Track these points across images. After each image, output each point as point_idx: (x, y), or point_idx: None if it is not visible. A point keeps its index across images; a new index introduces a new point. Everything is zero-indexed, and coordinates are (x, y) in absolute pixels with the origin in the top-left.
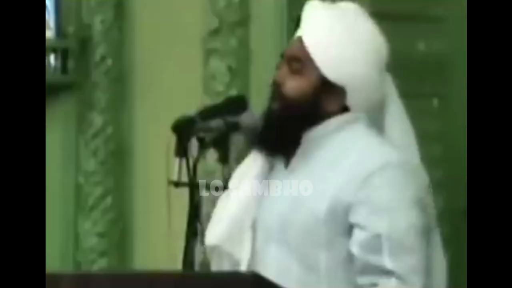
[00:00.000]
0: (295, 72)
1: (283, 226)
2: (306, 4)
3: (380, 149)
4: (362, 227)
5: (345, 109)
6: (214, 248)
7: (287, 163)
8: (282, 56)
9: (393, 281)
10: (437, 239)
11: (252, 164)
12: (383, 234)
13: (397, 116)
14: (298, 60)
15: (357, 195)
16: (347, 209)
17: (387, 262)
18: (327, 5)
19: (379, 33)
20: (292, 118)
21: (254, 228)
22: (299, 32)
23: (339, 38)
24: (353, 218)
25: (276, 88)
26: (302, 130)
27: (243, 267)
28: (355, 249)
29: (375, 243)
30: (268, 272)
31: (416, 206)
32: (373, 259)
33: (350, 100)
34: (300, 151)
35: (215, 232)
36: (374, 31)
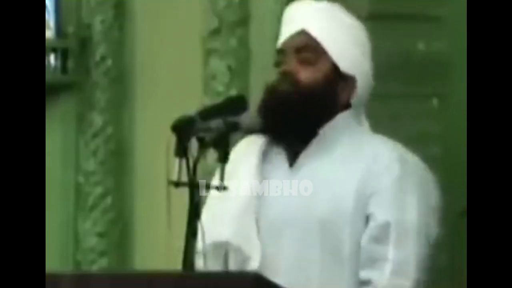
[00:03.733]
0: (307, 62)
1: (301, 222)
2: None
3: (391, 144)
4: (374, 217)
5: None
6: (222, 245)
7: (293, 158)
8: (281, 51)
9: (388, 268)
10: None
11: (246, 162)
12: (392, 223)
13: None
14: (309, 50)
15: (375, 188)
16: (367, 202)
17: (390, 252)
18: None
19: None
20: (311, 107)
21: (258, 224)
22: (296, 26)
23: (343, 31)
24: (368, 209)
25: (289, 76)
26: (320, 122)
27: (254, 263)
28: (363, 240)
29: (383, 233)
30: (284, 265)
31: (423, 201)
32: (378, 248)
33: (359, 92)
34: (312, 147)
35: (221, 229)
36: (360, 26)
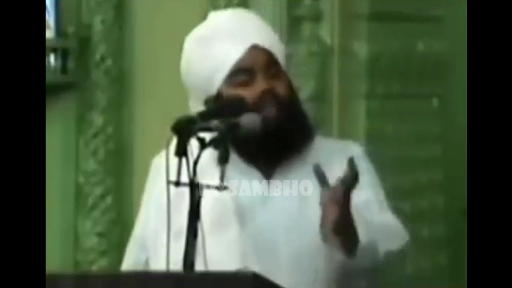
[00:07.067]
0: (275, 77)
1: (301, 230)
2: (225, 14)
3: (349, 142)
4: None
5: None
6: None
7: (267, 171)
8: (249, 70)
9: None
10: None
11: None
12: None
13: None
14: (273, 65)
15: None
16: None
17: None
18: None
19: None
20: (295, 121)
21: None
22: (248, 41)
23: (279, 42)
24: None
25: (270, 95)
26: (302, 133)
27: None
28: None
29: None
30: (283, 270)
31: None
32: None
33: None
34: (291, 159)
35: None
36: None
